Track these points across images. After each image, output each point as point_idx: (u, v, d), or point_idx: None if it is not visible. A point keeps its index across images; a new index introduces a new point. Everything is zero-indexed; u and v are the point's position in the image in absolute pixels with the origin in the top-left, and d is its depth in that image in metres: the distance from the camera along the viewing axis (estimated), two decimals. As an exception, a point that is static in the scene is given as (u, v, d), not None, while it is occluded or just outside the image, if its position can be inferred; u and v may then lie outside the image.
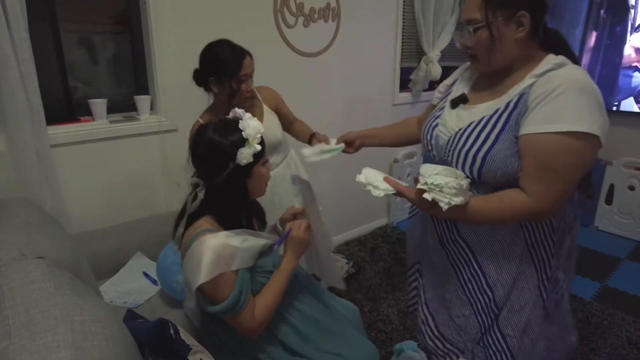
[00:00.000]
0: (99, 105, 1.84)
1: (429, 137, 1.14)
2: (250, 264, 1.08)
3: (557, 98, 0.88)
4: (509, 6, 0.93)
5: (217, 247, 0.99)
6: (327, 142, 1.42)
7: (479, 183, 1.01)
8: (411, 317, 1.42)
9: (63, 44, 1.78)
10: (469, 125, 1.03)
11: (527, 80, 0.95)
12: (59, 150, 1.72)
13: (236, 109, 1.12)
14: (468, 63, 1.15)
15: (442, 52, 3.07)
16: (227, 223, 1.08)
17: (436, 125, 1.13)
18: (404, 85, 3.18)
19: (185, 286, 1.16)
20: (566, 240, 1.11)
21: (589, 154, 0.90)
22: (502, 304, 1.09)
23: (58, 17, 1.75)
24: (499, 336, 1.11)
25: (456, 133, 1.05)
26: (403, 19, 2.95)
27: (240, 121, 1.06)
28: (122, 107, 2.00)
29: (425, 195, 0.91)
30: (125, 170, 1.94)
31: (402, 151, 3.17)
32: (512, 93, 0.98)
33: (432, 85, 3.23)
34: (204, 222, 1.07)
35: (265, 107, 1.73)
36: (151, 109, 2.02)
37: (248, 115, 1.09)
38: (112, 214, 1.90)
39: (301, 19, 2.37)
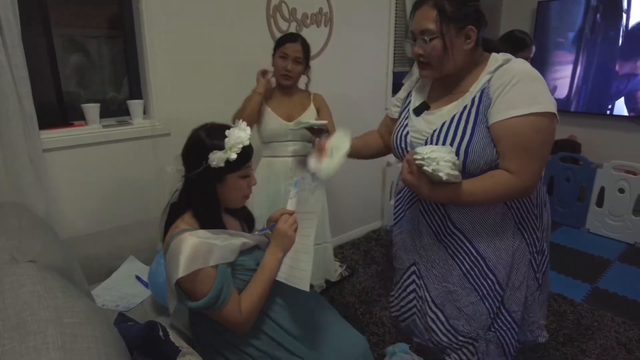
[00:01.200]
0: (92, 109, 1.85)
1: (403, 145, 1.22)
2: (230, 260, 1.10)
3: (514, 87, 1.01)
4: (460, 21, 1.07)
5: (194, 244, 1.02)
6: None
7: (464, 176, 1.07)
8: (406, 323, 1.41)
9: (56, 48, 1.79)
10: (442, 125, 1.12)
11: (484, 77, 1.09)
12: (51, 155, 1.72)
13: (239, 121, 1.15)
14: (415, 77, 1.32)
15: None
16: (205, 222, 1.11)
17: (407, 133, 1.22)
18: (397, 89, 3.20)
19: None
20: (545, 214, 1.25)
21: (551, 129, 1.03)
22: (505, 284, 1.18)
23: (51, 22, 1.76)
24: (506, 315, 1.22)
25: (432, 134, 1.13)
26: (395, 24, 2.98)
27: (229, 129, 1.09)
28: (115, 111, 2.01)
29: (425, 169, 0.96)
30: (118, 174, 1.94)
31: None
32: (474, 90, 1.10)
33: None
34: (183, 222, 1.10)
35: (312, 105, 2.06)
36: (144, 113, 2.03)
37: (243, 125, 1.12)
38: (105, 218, 1.91)
39: (294, 24, 2.39)
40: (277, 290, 1.18)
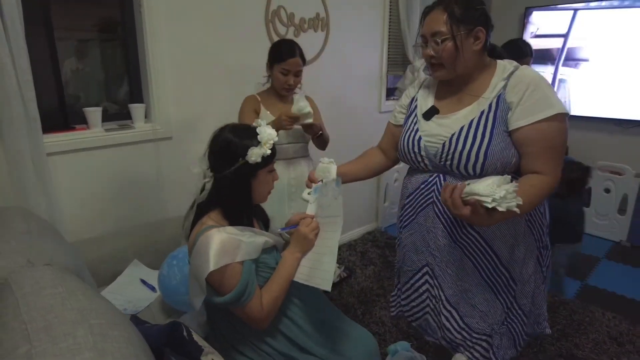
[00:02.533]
0: (94, 113, 1.85)
1: (416, 150, 1.25)
2: (255, 257, 1.13)
3: (533, 93, 1.09)
4: (469, 23, 1.12)
5: (222, 239, 1.05)
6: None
7: (481, 177, 1.09)
8: (417, 322, 1.44)
9: (58, 52, 1.79)
10: (461, 129, 1.16)
11: (499, 83, 1.15)
12: (54, 159, 1.72)
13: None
14: (416, 82, 1.38)
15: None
16: (232, 219, 1.14)
17: (420, 137, 1.25)
18: (391, 93, 3.27)
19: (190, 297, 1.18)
20: (546, 211, 1.32)
21: (567, 129, 1.12)
22: (518, 279, 1.25)
23: (53, 25, 1.75)
24: (517, 308, 1.29)
25: (450, 138, 1.17)
26: (389, 29, 3.04)
27: (257, 127, 1.14)
28: (117, 115, 2.01)
29: (500, 209, 0.94)
30: (120, 177, 1.94)
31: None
32: (490, 96, 1.15)
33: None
34: (209, 219, 1.13)
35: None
36: (146, 117, 2.04)
37: (264, 123, 1.17)
38: (108, 222, 1.91)
39: (292, 28, 2.43)
40: (293, 290, 1.21)
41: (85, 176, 1.83)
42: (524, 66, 1.16)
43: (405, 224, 1.37)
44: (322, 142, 2.06)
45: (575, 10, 3.46)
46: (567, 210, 2.38)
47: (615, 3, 3.26)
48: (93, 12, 1.93)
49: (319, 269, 1.15)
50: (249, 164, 1.11)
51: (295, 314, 1.24)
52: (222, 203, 1.15)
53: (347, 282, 2.58)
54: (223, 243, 1.05)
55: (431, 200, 1.25)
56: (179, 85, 2.05)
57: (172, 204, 2.09)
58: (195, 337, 0.97)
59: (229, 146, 1.12)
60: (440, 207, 1.23)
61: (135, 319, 1.20)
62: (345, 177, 1.39)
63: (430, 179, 1.25)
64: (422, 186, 1.27)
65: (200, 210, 1.17)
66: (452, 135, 1.17)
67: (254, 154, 1.10)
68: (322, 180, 1.31)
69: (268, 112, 1.99)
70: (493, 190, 0.95)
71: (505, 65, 1.17)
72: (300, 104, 1.78)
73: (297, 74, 1.94)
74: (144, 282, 1.74)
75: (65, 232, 1.69)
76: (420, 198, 1.29)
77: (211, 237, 1.05)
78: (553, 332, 2.11)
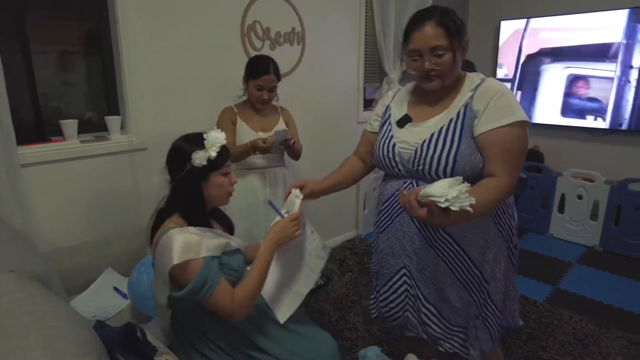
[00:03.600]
0: (69, 125, 1.90)
1: (391, 156, 1.33)
2: (217, 254, 1.19)
3: (498, 101, 1.19)
4: (460, 34, 1.22)
5: (185, 237, 1.12)
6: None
7: None
8: (397, 321, 1.50)
9: (34, 64, 1.84)
10: (431, 136, 1.25)
11: (467, 94, 1.25)
12: (29, 170, 1.76)
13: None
14: (391, 92, 1.48)
15: (402, 72, 3.26)
16: (194, 221, 1.21)
17: (394, 144, 1.33)
18: (368, 104, 3.35)
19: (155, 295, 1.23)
20: (515, 212, 1.41)
21: (527, 136, 1.21)
22: (490, 278, 1.34)
23: (29, 38, 1.81)
24: (491, 304, 1.37)
25: (422, 144, 1.26)
26: (365, 42, 3.13)
27: (204, 133, 1.21)
28: (94, 127, 2.06)
29: (453, 208, 1.00)
30: (96, 188, 1.99)
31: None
32: (458, 104, 1.25)
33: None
34: (171, 222, 1.19)
35: (281, 119, 2.21)
36: (122, 128, 2.09)
37: (217, 129, 1.25)
38: (83, 232, 1.94)
39: (267, 42, 2.50)
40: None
41: (60, 187, 1.88)
42: (490, 78, 1.26)
43: (382, 229, 1.44)
44: (294, 153, 2.12)
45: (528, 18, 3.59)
46: None
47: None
48: (70, 25, 1.98)
49: (284, 301, 1.28)
50: (197, 168, 1.18)
51: (256, 317, 1.29)
52: (180, 207, 1.21)
53: (324, 289, 2.62)
54: (186, 240, 1.11)
55: None
56: (156, 98, 2.11)
57: (147, 213, 2.09)
58: (150, 337, 1.01)
59: (177, 152, 1.21)
60: None
61: (100, 324, 1.25)
62: (330, 189, 1.47)
63: (405, 185, 1.32)
64: (397, 192, 1.32)
65: (162, 216, 1.23)
66: (424, 141, 1.26)
67: (198, 157, 1.17)
68: (287, 212, 1.35)
69: (244, 124, 2.06)
70: (446, 191, 1.01)
71: (473, 78, 1.28)
72: (279, 138, 1.94)
73: (272, 90, 2.04)
74: (116, 289, 1.78)
75: (40, 241, 1.73)
76: (395, 204, 1.36)
77: (174, 236, 1.12)
78: (522, 335, 2.17)
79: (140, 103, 2.05)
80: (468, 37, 1.26)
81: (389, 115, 1.41)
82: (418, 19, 1.23)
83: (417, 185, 1.28)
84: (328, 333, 1.45)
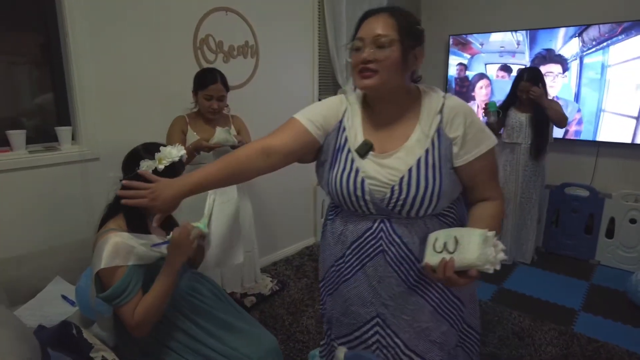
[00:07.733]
0: (17, 135, 1.91)
1: (359, 194, 1.11)
2: (147, 262, 1.24)
3: (472, 125, 1.08)
4: (414, 37, 1.07)
5: (116, 242, 1.17)
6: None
7: (427, 218, 1.12)
8: None
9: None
10: (410, 172, 1.08)
11: (434, 117, 1.09)
12: (-26, 180, 1.76)
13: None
14: (343, 106, 1.21)
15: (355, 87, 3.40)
16: (132, 225, 1.26)
17: (362, 180, 1.11)
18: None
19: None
20: None
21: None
22: (465, 301, 1.23)
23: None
24: (468, 328, 1.28)
25: (400, 182, 1.08)
26: (319, 55, 3.26)
27: (162, 146, 1.28)
28: (44, 137, 2.07)
29: (486, 269, 0.95)
30: (45, 198, 1.99)
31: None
32: (431, 132, 1.09)
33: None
34: (114, 223, 1.25)
35: (232, 127, 2.28)
36: (73, 139, 2.11)
37: (179, 147, 1.32)
38: (33, 241, 1.94)
39: (220, 55, 2.58)
40: (198, 293, 1.33)
41: (8, 197, 1.88)
42: (449, 95, 1.13)
43: (347, 276, 1.22)
44: None
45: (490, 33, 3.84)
46: None
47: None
48: (20, 36, 2.00)
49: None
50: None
51: (199, 315, 1.35)
52: (123, 208, 1.26)
53: (279, 295, 2.69)
54: (117, 246, 1.16)
55: (380, 248, 1.14)
56: (107, 109, 2.14)
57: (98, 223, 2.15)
58: (86, 334, 1.06)
59: (131, 155, 1.28)
60: (392, 255, 1.13)
61: (41, 327, 1.28)
62: (208, 186, 1.11)
63: (375, 225, 1.14)
64: (367, 234, 1.15)
65: (109, 212, 1.30)
66: (402, 179, 1.07)
67: (144, 166, 1.24)
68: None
69: (194, 133, 2.13)
70: (484, 254, 0.94)
71: (431, 95, 1.13)
72: (221, 137, 2.04)
73: (220, 99, 2.12)
74: (65, 297, 1.79)
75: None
76: (366, 247, 1.17)
77: (108, 239, 1.18)
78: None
79: (92, 114, 2.08)
80: (424, 47, 1.11)
81: (345, 140, 1.16)
82: (372, 11, 1.10)
83: (390, 224, 1.13)
84: (267, 331, 1.52)
